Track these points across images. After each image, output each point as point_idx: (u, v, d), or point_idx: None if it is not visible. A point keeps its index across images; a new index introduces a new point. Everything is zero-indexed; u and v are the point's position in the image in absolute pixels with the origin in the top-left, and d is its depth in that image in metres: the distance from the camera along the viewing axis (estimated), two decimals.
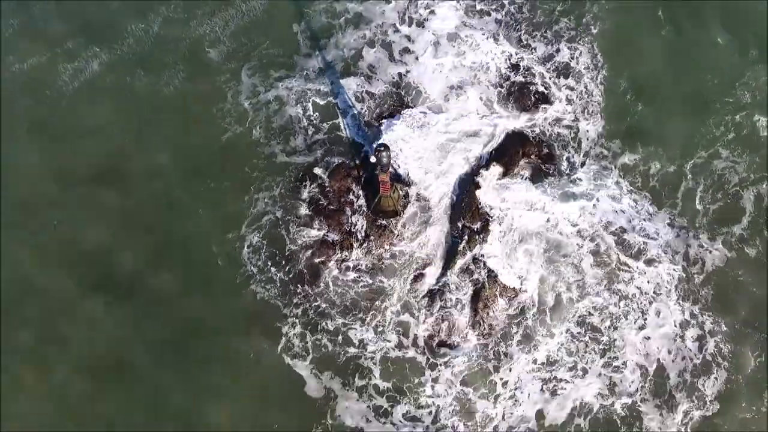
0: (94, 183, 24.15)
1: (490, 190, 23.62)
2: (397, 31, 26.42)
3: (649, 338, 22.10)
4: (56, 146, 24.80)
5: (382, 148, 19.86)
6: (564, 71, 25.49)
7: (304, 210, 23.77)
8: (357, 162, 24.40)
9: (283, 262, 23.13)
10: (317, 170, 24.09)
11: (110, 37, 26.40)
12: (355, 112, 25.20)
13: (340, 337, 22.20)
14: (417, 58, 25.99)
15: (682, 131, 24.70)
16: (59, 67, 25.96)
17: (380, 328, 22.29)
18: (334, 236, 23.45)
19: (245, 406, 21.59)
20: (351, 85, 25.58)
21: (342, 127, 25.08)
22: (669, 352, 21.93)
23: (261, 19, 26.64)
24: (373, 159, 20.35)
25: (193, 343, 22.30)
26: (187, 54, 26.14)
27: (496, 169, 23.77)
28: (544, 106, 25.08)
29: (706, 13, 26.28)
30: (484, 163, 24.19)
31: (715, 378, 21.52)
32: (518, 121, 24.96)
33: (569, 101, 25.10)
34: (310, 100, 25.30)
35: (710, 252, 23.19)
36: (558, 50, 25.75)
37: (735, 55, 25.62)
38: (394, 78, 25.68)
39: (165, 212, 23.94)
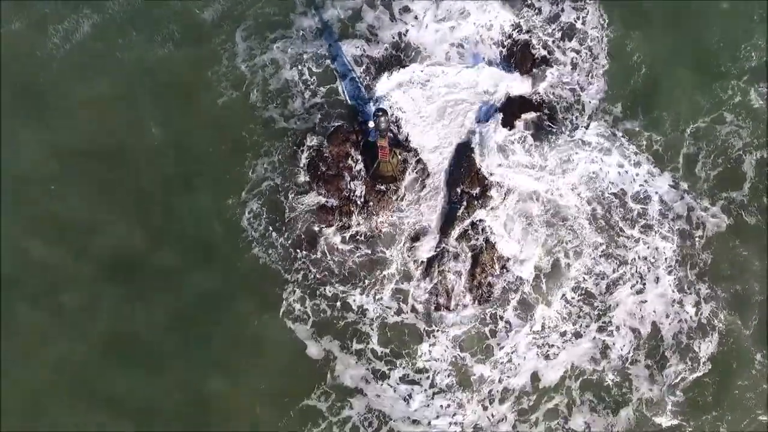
0: (89, 152, 23.83)
1: (490, 152, 23.44)
2: None
3: (645, 302, 22.40)
4: (48, 116, 24.28)
5: (381, 113, 19.57)
6: (568, 32, 24.81)
7: (303, 177, 23.62)
8: (356, 126, 24.10)
9: (284, 228, 23.17)
10: (313, 140, 23.77)
11: None
12: (354, 75, 24.68)
13: (338, 303, 22.47)
14: (416, 17, 25.27)
15: (686, 95, 24.26)
16: (49, 29, 25.25)
17: (379, 296, 22.53)
18: (333, 202, 23.42)
19: (248, 369, 21.99)
20: (349, 47, 24.94)
21: (340, 91, 24.61)
22: (667, 316, 22.26)
23: None
24: (371, 124, 20.12)
25: (195, 309, 22.51)
26: (179, 14, 25.38)
27: (497, 126, 23.56)
28: (545, 67, 24.57)
29: None
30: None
31: (710, 341, 21.93)
32: (520, 83, 24.53)
33: (573, 64, 24.56)
34: (307, 64, 24.72)
35: (711, 217, 23.20)
36: (563, 10, 25.03)
37: (739, 18, 24.90)
38: (394, 38, 25.04)
39: (163, 179, 23.73)
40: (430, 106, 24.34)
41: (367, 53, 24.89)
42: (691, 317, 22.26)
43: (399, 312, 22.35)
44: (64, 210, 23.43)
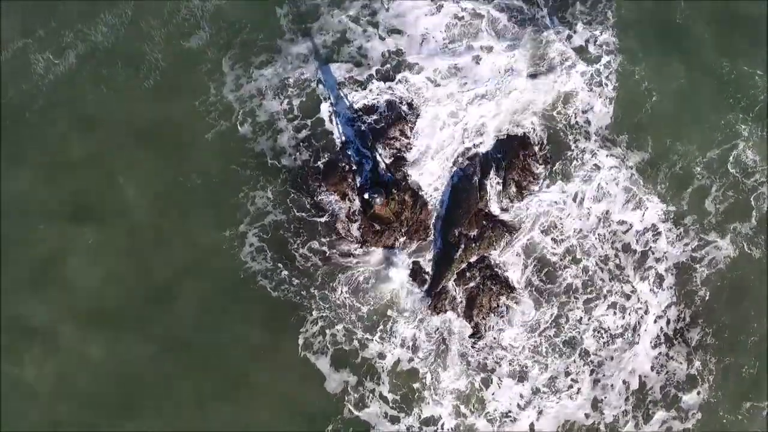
0: (75, 190, 23.36)
1: (492, 199, 23.01)
2: (387, 10, 24.19)
3: (637, 354, 22.37)
4: (38, 149, 23.67)
5: (375, 195, 19.93)
6: (581, 55, 23.70)
7: (300, 213, 23.20)
8: (350, 165, 23.38)
9: (297, 272, 22.80)
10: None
11: (84, 23, 24.25)
12: (345, 102, 23.67)
13: (356, 342, 22.49)
14: (408, 35, 24.08)
15: (696, 126, 23.21)
16: (31, 59, 24.28)
17: (392, 345, 22.50)
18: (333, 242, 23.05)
19: (261, 402, 22.22)
20: (338, 72, 23.82)
21: (332, 122, 23.63)
22: (652, 369, 22.29)
23: (241, 2, 24.35)
24: (366, 195, 20.09)
25: (203, 344, 22.51)
26: (164, 42, 24.18)
27: (495, 182, 22.92)
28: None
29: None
30: (484, 166, 23.11)
31: (695, 394, 22.08)
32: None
33: (590, 87, 23.55)
34: (292, 94, 23.74)
35: (713, 251, 22.73)
36: (575, 31, 23.77)
37: (753, 47, 23.49)
38: (384, 56, 23.88)
39: (154, 213, 23.27)
40: (423, 122, 23.59)
41: (356, 78, 23.81)
42: (679, 366, 22.25)
43: (410, 360, 22.43)
44: (52, 247, 23.07)
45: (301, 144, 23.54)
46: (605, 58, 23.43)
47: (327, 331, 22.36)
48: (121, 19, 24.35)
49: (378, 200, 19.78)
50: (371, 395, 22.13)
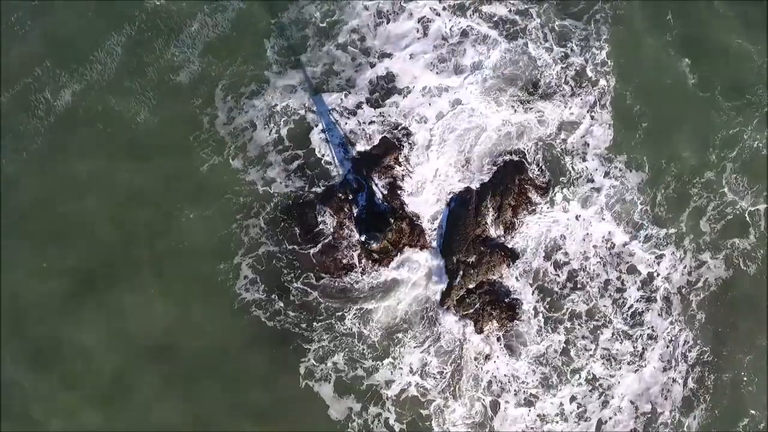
0: (73, 226, 23.61)
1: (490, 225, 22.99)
2: (374, 35, 23.94)
3: (645, 379, 22.51)
4: (40, 190, 23.96)
5: (372, 240, 20.55)
6: (576, 78, 23.37)
7: (296, 246, 23.41)
8: (348, 196, 23.45)
9: (296, 306, 22.99)
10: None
11: (77, 62, 24.26)
12: (338, 131, 23.62)
13: (360, 371, 22.64)
14: (397, 58, 23.89)
15: (690, 147, 23.01)
16: (31, 100, 24.59)
17: (397, 365, 22.71)
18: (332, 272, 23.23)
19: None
20: (329, 101, 23.76)
21: (325, 151, 23.68)
22: (659, 394, 22.44)
23: (230, 36, 24.23)
24: (363, 239, 20.33)
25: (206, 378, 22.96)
26: (156, 78, 24.18)
27: (492, 208, 22.87)
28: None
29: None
30: (480, 192, 23.02)
31: (695, 416, 22.21)
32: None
33: (590, 112, 23.29)
34: (282, 125, 23.73)
35: (711, 270, 22.70)
36: (571, 49, 23.47)
37: (746, 62, 23.15)
38: (372, 83, 23.76)
39: (150, 245, 23.46)
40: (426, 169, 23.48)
41: (345, 106, 23.71)
42: (681, 387, 22.40)
43: (419, 387, 22.59)
44: (51, 286, 23.37)
45: (293, 174, 23.60)
46: (603, 81, 23.07)
47: (329, 359, 22.60)
48: (112, 57, 24.39)
49: (374, 245, 20.03)
50: (376, 421, 22.43)
